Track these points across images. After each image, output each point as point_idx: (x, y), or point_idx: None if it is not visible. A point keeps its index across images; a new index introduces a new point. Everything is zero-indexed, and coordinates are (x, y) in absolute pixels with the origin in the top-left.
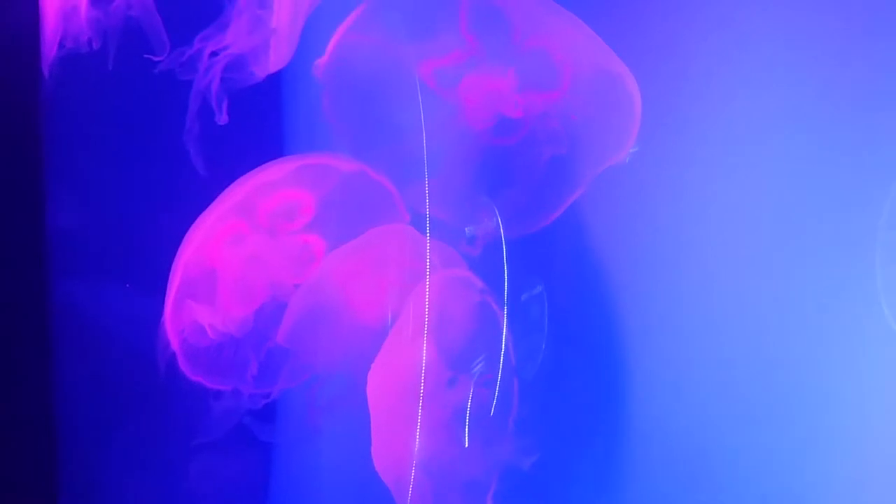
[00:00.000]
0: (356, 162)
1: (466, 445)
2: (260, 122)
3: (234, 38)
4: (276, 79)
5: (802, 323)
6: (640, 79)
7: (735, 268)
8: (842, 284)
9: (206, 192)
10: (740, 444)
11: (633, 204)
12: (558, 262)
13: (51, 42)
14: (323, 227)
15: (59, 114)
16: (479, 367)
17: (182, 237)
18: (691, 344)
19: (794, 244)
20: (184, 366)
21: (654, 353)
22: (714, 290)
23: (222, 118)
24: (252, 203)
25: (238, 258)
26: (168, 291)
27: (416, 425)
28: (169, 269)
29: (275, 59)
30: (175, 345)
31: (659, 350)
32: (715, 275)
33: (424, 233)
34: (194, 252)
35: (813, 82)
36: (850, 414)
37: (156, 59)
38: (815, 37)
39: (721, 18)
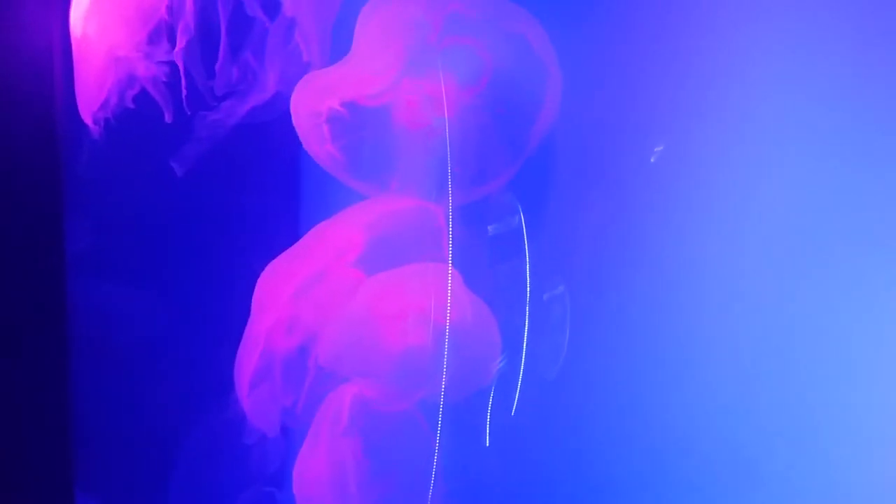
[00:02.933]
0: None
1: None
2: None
3: (269, 76)
4: None
5: (831, 329)
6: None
7: (759, 271)
8: (871, 289)
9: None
10: (762, 448)
11: (657, 204)
12: (579, 263)
13: (95, 91)
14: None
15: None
16: (500, 365)
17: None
18: (711, 347)
19: (821, 247)
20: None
21: (672, 355)
22: (734, 291)
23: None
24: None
25: (299, 306)
26: (247, 358)
27: None
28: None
29: None
30: (246, 407)
31: (678, 352)
32: (735, 275)
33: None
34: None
35: (833, 83)
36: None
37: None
38: (846, 33)
39: (748, 18)
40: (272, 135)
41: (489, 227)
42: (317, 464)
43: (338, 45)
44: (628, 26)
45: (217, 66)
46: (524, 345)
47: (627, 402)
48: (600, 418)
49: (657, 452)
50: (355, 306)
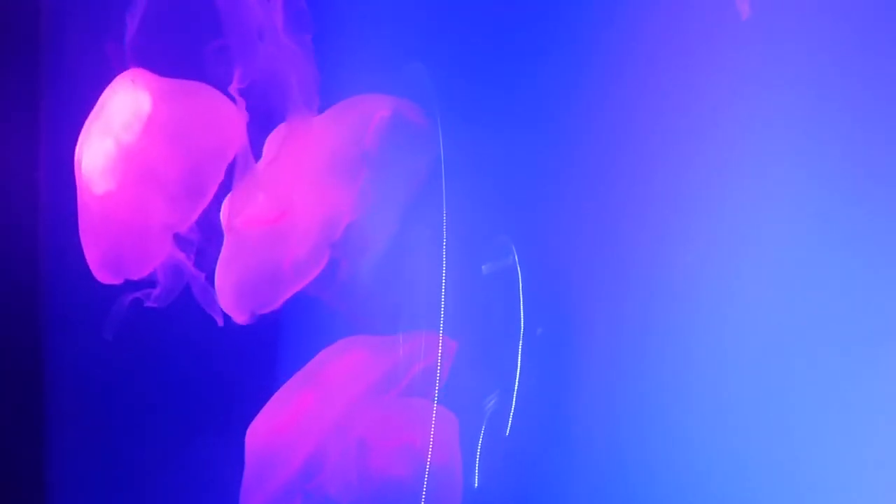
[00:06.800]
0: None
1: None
2: None
3: None
4: None
5: (835, 334)
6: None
7: (762, 279)
8: (875, 296)
9: None
10: (764, 460)
11: (656, 216)
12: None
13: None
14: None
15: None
16: (492, 403)
17: None
18: (715, 360)
19: (824, 253)
20: None
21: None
22: (736, 306)
23: None
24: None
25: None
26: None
27: None
28: None
29: None
30: None
31: (683, 368)
32: (739, 289)
33: None
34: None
35: (845, 86)
36: None
37: None
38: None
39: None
40: None
41: (483, 267)
42: None
43: None
44: (631, 34)
45: None
46: (517, 378)
47: (627, 417)
48: (599, 443)
49: (657, 467)
50: (350, 432)
